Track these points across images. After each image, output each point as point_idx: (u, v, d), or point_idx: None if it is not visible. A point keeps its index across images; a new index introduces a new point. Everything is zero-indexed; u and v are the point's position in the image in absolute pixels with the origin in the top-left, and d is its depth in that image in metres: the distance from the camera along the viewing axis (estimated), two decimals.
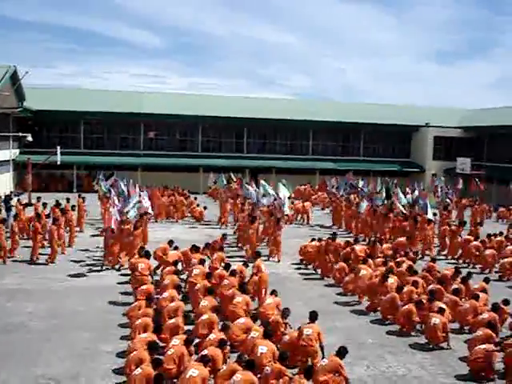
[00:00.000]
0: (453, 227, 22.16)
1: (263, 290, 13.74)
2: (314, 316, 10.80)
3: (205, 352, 9.32)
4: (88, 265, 18.20)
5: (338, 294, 15.70)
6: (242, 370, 8.80)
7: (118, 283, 15.97)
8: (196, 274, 13.96)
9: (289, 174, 39.60)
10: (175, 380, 9.13)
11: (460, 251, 20.94)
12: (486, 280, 14.89)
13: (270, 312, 11.85)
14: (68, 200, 23.93)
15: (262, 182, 24.93)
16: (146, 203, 20.81)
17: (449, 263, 19.83)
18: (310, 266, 18.73)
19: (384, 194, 26.23)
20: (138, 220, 19.67)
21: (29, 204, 28.07)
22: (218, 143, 45.14)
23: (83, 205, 24.22)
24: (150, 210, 21.28)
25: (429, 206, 22.30)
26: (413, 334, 12.57)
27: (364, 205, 24.85)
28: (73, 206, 23.05)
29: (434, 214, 23.59)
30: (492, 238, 20.99)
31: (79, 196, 25.19)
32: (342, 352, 9.52)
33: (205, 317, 11.14)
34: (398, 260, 16.58)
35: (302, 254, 19.15)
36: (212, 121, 42.99)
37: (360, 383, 10.09)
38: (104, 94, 45.36)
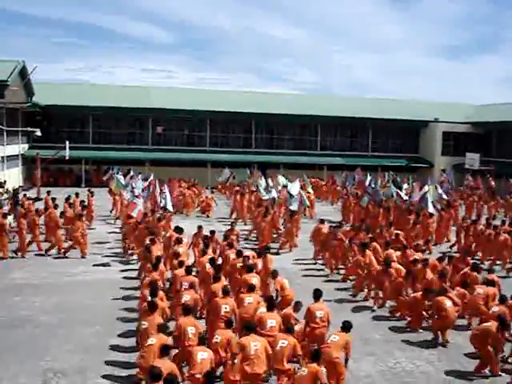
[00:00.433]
0: (467, 223, 21.79)
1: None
2: (318, 295, 10.74)
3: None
4: (97, 259, 18.26)
5: (341, 290, 15.55)
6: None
7: (125, 278, 16.04)
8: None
9: (297, 169, 39.46)
10: None
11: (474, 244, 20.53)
12: (491, 271, 14.63)
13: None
14: (77, 195, 23.77)
15: (280, 176, 24.88)
16: (167, 199, 20.90)
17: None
18: (310, 257, 18.72)
19: (392, 187, 26.36)
20: (161, 214, 19.95)
21: (38, 199, 28.22)
22: (226, 138, 45.14)
23: (92, 199, 24.05)
24: (169, 207, 21.12)
25: (429, 199, 22.28)
26: (420, 330, 12.45)
27: (366, 199, 25.07)
28: (82, 201, 22.79)
29: (436, 208, 23.43)
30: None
31: (88, 191, 24.91)
32: (347, 326, 9.50)
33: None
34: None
35: (313, 236, 19.11)
36: (220, 116, 42.92)
37: (368, 379, 10.06)
38: (112, 88, 45.57)
